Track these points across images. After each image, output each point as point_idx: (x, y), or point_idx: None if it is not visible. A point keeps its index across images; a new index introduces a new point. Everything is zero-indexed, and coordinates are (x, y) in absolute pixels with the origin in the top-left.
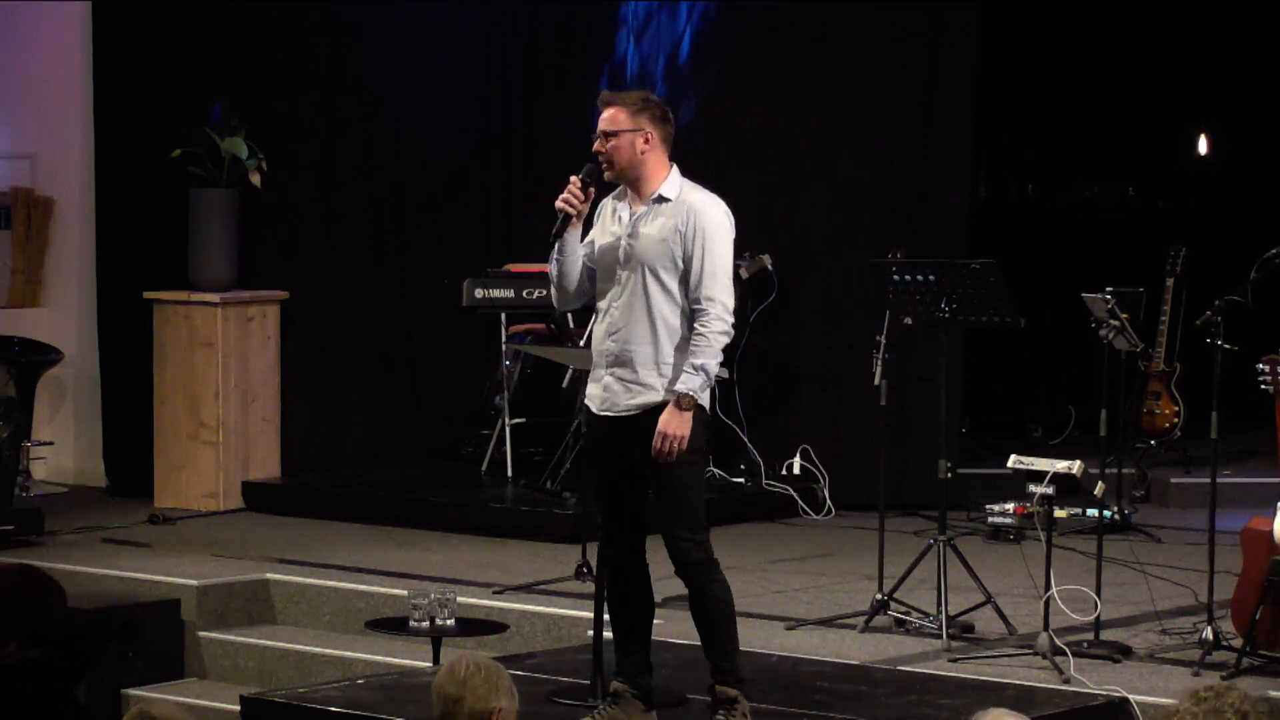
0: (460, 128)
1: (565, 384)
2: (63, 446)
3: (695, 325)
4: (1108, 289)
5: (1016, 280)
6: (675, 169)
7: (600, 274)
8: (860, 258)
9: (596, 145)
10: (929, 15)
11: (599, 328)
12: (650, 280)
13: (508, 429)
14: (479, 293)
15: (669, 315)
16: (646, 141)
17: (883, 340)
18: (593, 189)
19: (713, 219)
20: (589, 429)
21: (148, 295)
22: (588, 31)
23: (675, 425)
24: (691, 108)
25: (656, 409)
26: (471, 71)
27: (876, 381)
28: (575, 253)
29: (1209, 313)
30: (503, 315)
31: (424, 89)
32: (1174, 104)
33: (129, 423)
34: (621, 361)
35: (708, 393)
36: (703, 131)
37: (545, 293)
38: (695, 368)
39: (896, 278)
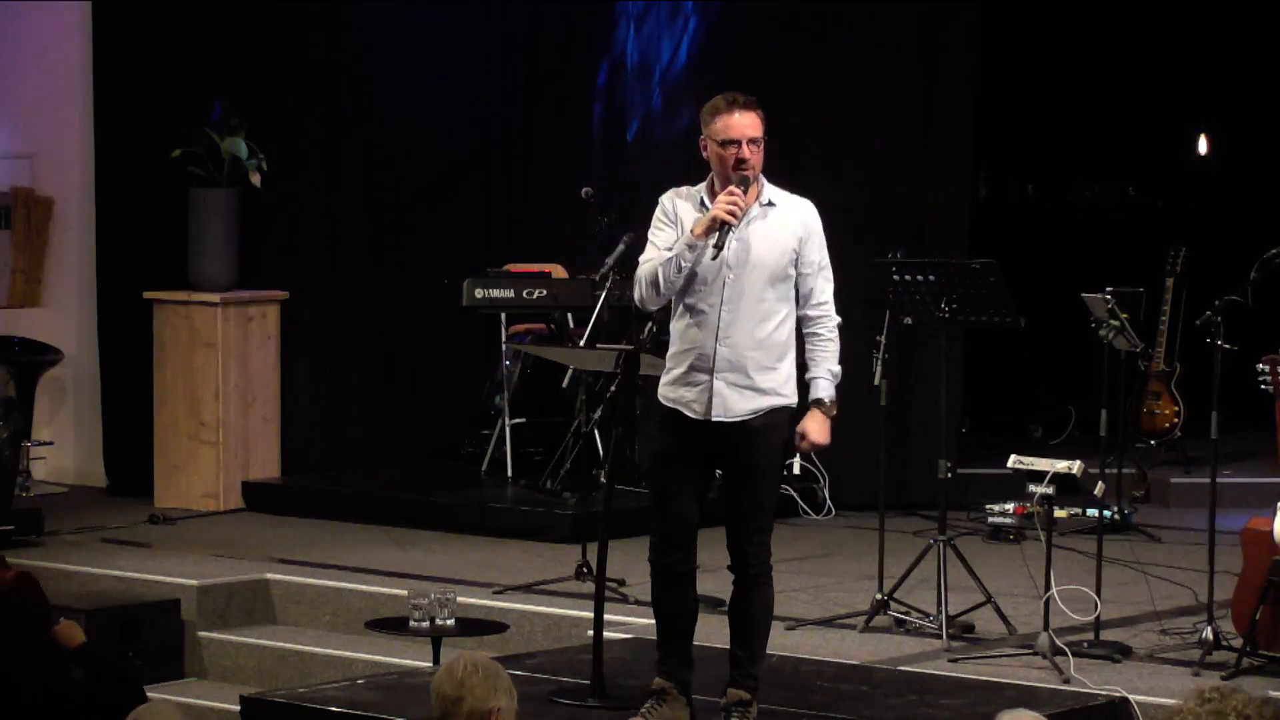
0: (460, 128)
1: (565, 384)
2: (63, 446)
3: (817, 330)
4: (1108, 289)
5: (1016, 280)
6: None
7: (698, 276)
8: (860, 258)
9: (744, 151)
10: (929, 15)
11: (698, 330)
12: (765, 284)
13: (508, 429)
14: (479, 293)
15: (781, 318)
16: (765, 146)
17: (883, 340)
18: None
19: (821, 226)
20: (676, 433)
21: (148, 295)
22: (588, 31)
23: (824, 434)
24: (691, 108)
25: (771, 411)
26: (471, 71)
27: (876, 381)
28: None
29: (1209, 313)
30: (503, 315)
31: (424, 89)
32: (1174, 104)
33: (129, 423)
34: (735, 366)
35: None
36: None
37: (545, 293)
38: (831, 374)
39: (896, 278)
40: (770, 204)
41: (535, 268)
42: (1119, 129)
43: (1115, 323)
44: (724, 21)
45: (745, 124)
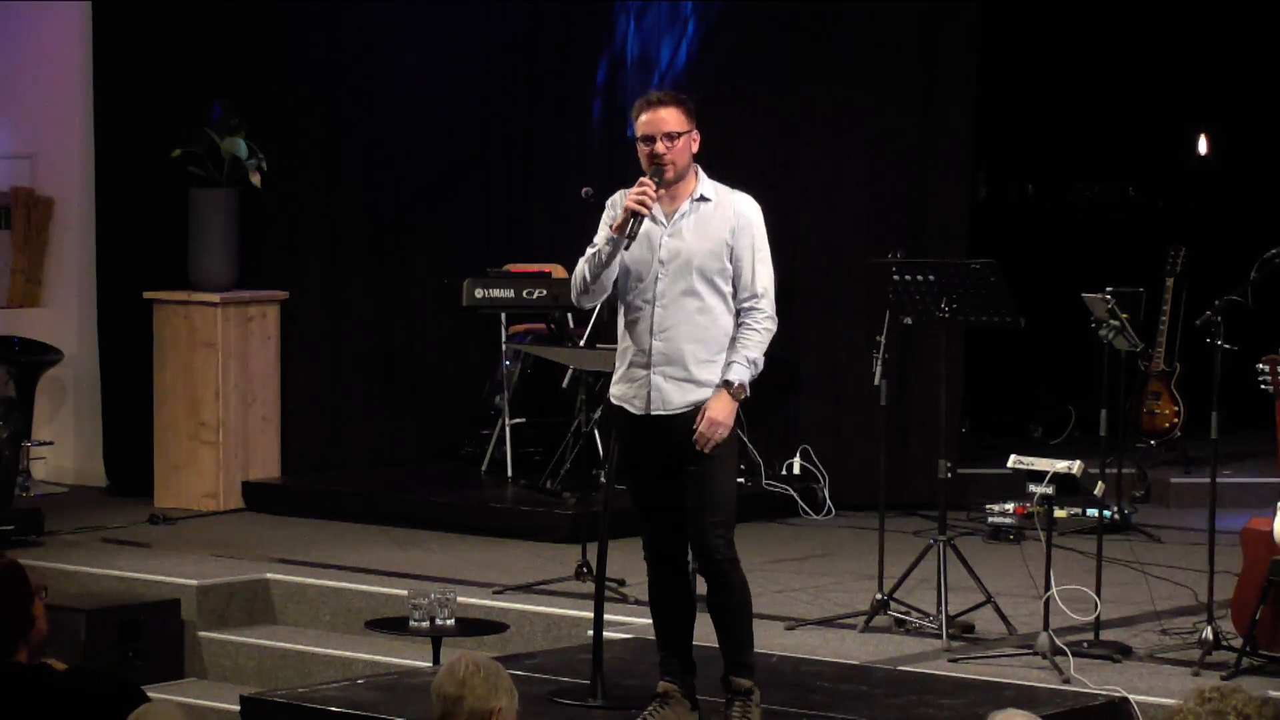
0: (460, 128)
1: (565, 384)
2: (63, 446)
3: (745, 320)
4: (1108, 289)
5: (1016, 280)
6: (699, 168)
7: (633, 273)
8: (860, 258)
9: (658, 147)
10: (929, 15)
11: (635, 327)
12: (699, 279)
13: (508, 429)
14: (479, 293)
15: (718, 312)
16: (695, 143)
17: (883, 340)
18: (662, 190)
19: (759, 218)
20: (627, 430)
21: (148, 295)
22: (588, 30)
23: (726, 414)
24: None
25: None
26: (471, 71)
27: (876, 381)
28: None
29: (1209, 313)
30: (503, 315)
31: (424, 89)
32: (1174, 104)
33: (129, 423)
34: (672, 360)
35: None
36: (702, 131)
37: (545, 293)
38: (748, 360)
39: (896, 278)
40: (704, 199)
41: (535, 268)
42: (1119, 129)
43: (1115, 323)
44: (724, 21)
45: (660, 119)
